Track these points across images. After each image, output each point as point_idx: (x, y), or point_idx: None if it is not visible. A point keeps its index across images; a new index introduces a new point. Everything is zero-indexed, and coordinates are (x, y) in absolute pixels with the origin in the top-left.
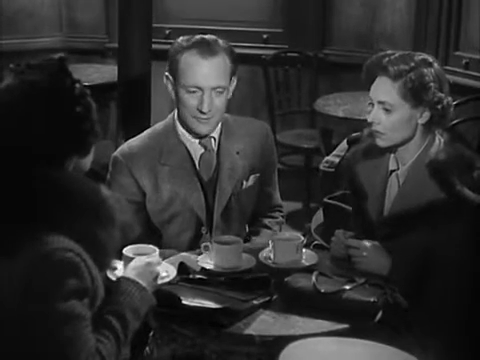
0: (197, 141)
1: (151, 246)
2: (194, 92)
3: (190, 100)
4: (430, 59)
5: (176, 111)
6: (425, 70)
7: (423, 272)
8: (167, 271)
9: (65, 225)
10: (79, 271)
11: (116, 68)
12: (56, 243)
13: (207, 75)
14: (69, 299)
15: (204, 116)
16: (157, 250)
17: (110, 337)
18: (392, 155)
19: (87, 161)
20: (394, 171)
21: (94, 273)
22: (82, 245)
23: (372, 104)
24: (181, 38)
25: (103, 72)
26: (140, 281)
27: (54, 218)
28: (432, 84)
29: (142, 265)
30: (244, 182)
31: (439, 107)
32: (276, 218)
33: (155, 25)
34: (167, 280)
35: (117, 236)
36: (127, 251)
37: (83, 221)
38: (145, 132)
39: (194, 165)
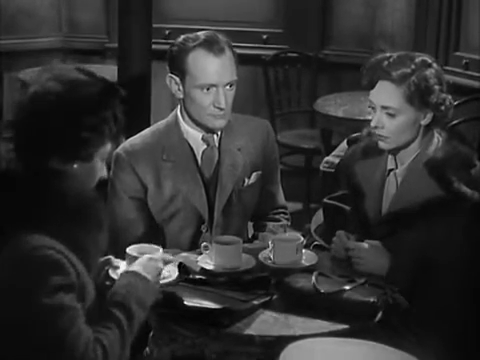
0: (200, 137)
1: (154, 246)
2: (208, 90)
3: (205, 99)
4: (429, 59)
5: (179, 109)
6: (427, 72)
7: (421, 270)
8: (169, 271)
9: (47, 227)
10: (62, 267)
11: (116, 68)
12: (36, 241)
13: (220, 72)
14: (55, 294)
15: (221, 112)
16: (160, 249)
17: (112, 327)
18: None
19: (91, 169)
20: (392, 170)
21: (80, 269)
22: (65, 246)
23: (373, 108)
24: (181, 38)
25: (103, 72)
26: (143, 273)
27: (36, 220)
28: (436, 87)
29: (145, 260)
30: (246, 179)
31: (442, 108)
32: (280, 221)
33: (155, 25)
34: (170, 280)
35: (103, 240)
36: (131, 250)
37: (66, 224)
38: (147, 130)
39: (196, 162)
